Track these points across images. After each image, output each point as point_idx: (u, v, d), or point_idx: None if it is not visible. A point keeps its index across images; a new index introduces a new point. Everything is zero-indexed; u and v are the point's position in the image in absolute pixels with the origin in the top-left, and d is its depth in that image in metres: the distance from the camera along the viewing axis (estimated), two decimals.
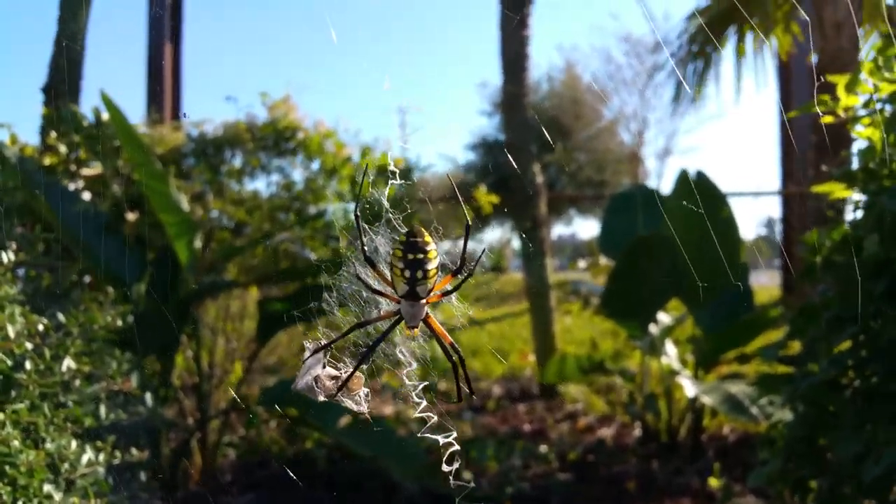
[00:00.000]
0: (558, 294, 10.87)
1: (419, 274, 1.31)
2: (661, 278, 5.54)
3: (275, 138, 5.84)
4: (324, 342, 1.41)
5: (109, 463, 2.38)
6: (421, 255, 1.30)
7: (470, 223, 1.35)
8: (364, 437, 4.35)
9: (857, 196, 2.83)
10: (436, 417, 1.44)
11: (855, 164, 2.89)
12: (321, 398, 1.39)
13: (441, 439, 1.42)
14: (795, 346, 3.35)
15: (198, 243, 4.76)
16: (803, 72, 7.50)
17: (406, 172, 1.48)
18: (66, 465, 2.23)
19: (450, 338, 1.40)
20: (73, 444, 2.26)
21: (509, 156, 8.98)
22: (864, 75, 2.57)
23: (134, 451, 2.59)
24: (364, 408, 1.41)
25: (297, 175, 5.98)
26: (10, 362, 2.20)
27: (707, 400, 5.23)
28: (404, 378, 1.46)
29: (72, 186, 4.94)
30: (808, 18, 6.22)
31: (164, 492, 3.53)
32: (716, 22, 7.34)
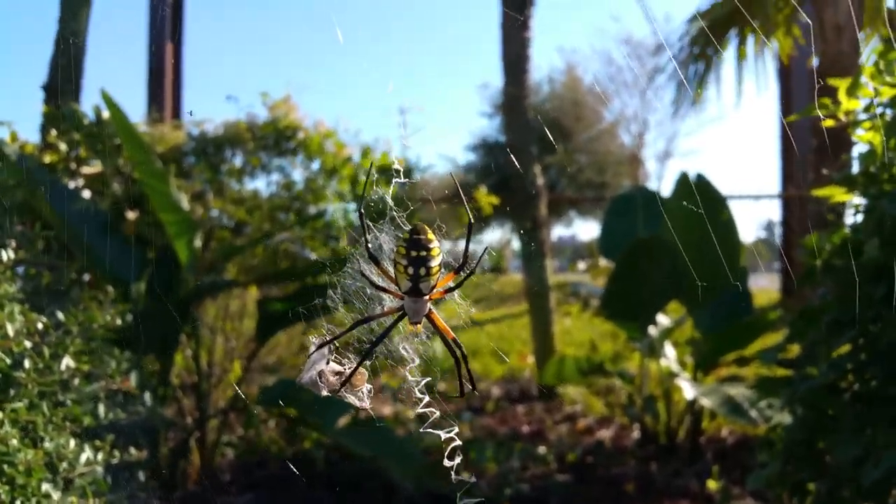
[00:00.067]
0: (558, 295, 10.87)
1: (422, 271, 1.33)
2: (660, 280, 5.54)
3: (275, 138, 5.84)
4: (328, 338, 1.43)
5: (108, 462, 2.38)
6: (424, 253, 1.32)
7: (472, 221, 1.37)
8: (363, 437, 4.35)
9: (858, 200, 2.83)
10: (437, 413, 1.46)
11: (855, 168, 2.89)
12: (325, 393, 1.42)
13: (443, 434, 1.45)
14: (795, 350, 3.35)
15: (198, 242, 4.75)
16: (804, 75, 7.51)
17: (406, 172, 1.49)
18: (65, 464, 2.23)
19: (452, 334, 1.42)
20: (72, 443, 2.26)
21: (512, 157, 8.98)
22: (865, 79, 2.58)
23: (132, 450, 2.59)
24: (366, 403, 1.44)
25: (298, 175, 5.99)
26: (8, 361, 2.20)
27: (706, 402, 5.24)
28: (406, 374, 1.48)
29: (72, 185, 4.94)
30: (809, 21, 6.23)
31: (162, 491, 3.52)
32: (717, 25, 7.34)
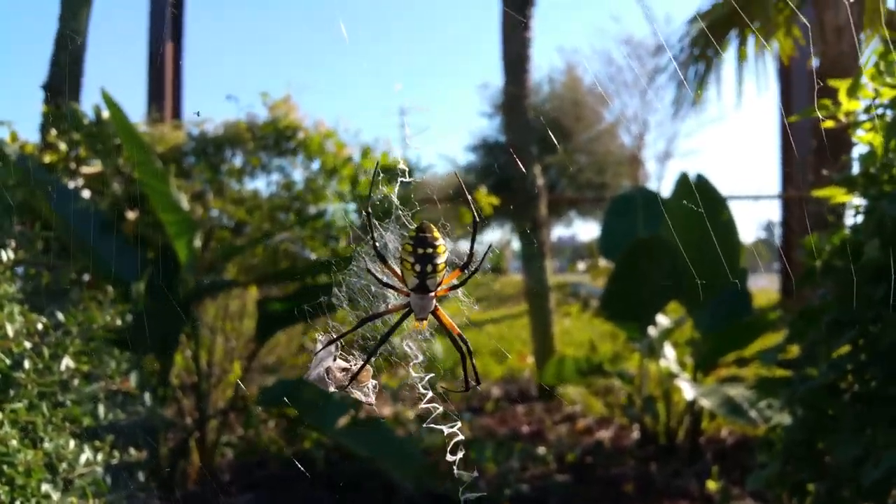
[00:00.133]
0: (558, 296, 10.88)
1: (429, 268, 1.35)
2: (660, 281, 5.55)
3: (275, 138, 5.84)
4: (335, 335, 1.46)
5: (108, 462, 2.38)
6: (430, 250, 1.34)
7: (478, 219, 1.39)
8: (363, 437, 4.35)
9: (858, 201, 2.83)
10: (441, 408, 1.49)
11: (855, 169, 2.89)
12: (332, 389, 1.44)
13: (445, 429, 1.47)
14: (794, 350, 3.35)
15: (197, 242, 4.75)
16: (804, 76, 7.51)
17: (409, 173, 1.50)
18: (65, 465, 2.23)
19: (458, 329, 1.44)
20: (72, 443, 2.26)
21: (514, 157, 8.98)
22: (865, 80, 2.58)
23: (132, 450, 2.59)
24: (372, 398, 1.46)
25: (298, 175, 5.99)
26: (8, 361, 2.20)
27: (705, 403, 5.24)
28: (410, 370, 1.50)
29: (72, 184, 4.93)
30: (807, 24, 6.23)
31: (162, 492, 3.52)
32: (717, 25, 7.34)
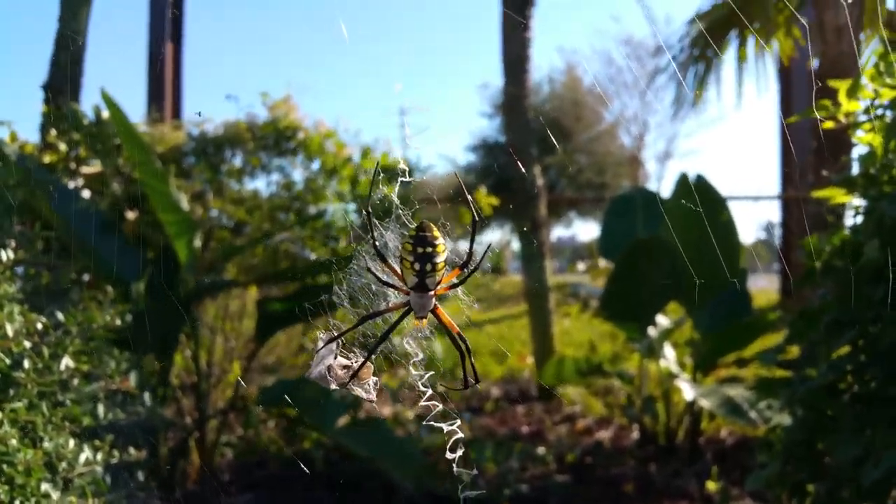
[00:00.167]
0: (557, 296, 10.88)
1: (428, 266, 1.36)
2: (660, 281, 5.55)
3: (275, 138, 5.84)
4: (336, 333, 1.47)
5: (107, 462, 2.38)
6: (430, 249, 1.35)
7: (477, 219, 1.39)
8: (363, 437, 4.35)
9: (857, 201, 2.83)
10: (440, 406, 1.50)
11: (855, 170, 2.89)
12: (334, 386, 1.45)
13: (445, 427, 1.48)
14: (794, 351, 3.35)
15: (197, 242, 4.75)
16: (804, 76, 7.51)
17: (409, 173, 1.51)
18: (64, 464, 2.23)
19: (457, 328, 1.45)
20: (71, 443, 2.26)
21: (514, 157, 8.98)
22: (865, 80, 2.58)
23: (132, 450, 2.59)
24: (373, 395, 1.47)
25: (298, 175, 5.99)
26: (8, 361, 2.20)
27: (705, 403, 5.24)
28: (410, 368, 1.51)
29: (71, 184, 4.93)
30: (807, 24, 6.23)
31: (161, 491, 3.52)
32: (717, 26, 7.35)
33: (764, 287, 11.43)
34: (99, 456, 2.34)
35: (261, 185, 6.11)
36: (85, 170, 5.05)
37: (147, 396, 3.41)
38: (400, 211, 1.49)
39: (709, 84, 7.90)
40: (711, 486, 5.05)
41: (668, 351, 6.29)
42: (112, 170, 5.07)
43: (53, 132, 4.92)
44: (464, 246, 1.42)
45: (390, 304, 1.49)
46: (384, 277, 1.45)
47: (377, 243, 1.42)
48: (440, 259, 1.37)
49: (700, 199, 5.78)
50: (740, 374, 6.36)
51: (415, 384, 1.50)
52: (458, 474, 1.50)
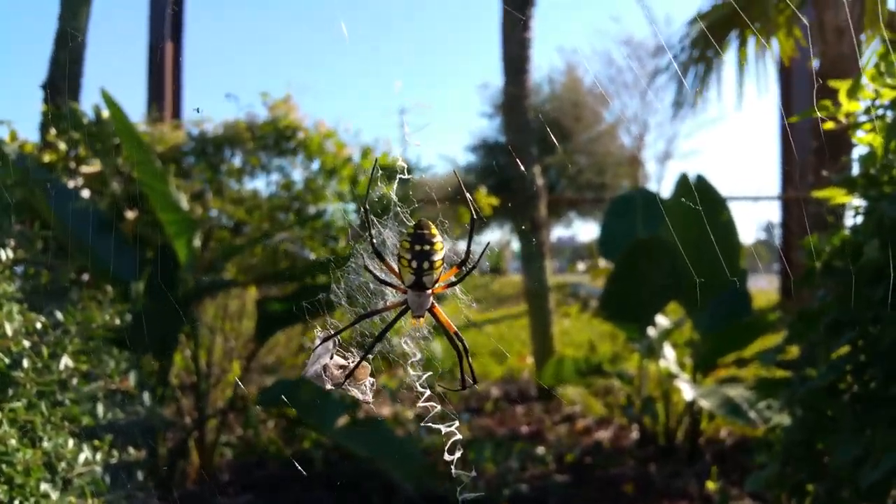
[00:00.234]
0: (557, 296, 10.88)
1: (426, 265, 1.35)
2: (659, 281, 5.54)
3: (275, 138, 5.84)
4: (332, 332, 1.45)
5: (107, 462, 2.38)
6: (428, 247, 1.34)
7: (475, 217, 1.38)
8: (362, 437, 4.35)
9: (857, 202, 2.83)
10: (439, 407, 1.48)
11: (855, 170, 2.89)
12: (329, 386, 1.43)
13: (443, 428, 1.47)
14: (794, 351, 3.35)
15: (197, 242, 4.75)
16: (804, 77, 7.51)
17: (409, 172, 1.50)
18: (63, 464, 2.22)
19: (454, 327, 1.44)
20: (71, 442, 2.25)
21: (514, 157, 8.98)
22: (865, 81, 2.57)
23: (131, 450, 2.59)
24: (369, 397, 1.46)
25: (297, 175, 5.99)
26: (7, 360, 2.20)
27: (705, 403, 5.23)
28: (408, 368, 1.50)
29: (71, 184, 4.93)
30: (808, 23, 6.23)
31: (161, 491, 3.52)
32: (717, 26, 7.34)
33: (764, 287, 11.43)
34: (98, 456, 2.34)
35: (260, 184, 6.12)
36: (84, 169, 5.05)
37: (146, 396, 3.40)
38: (398, 209, 1.48)
39: (709, 84, 7.89)
40: (711, 486, 5.04)
41: (668, 351, 6.29)
42: (111, 169, 5.07)
43: (53, 131, 4.91)
44: (463, 245, 1.41)
45: (388, 303, 1.48)
46: (382, 276, 1.44)
47: (375, 241, 1.41)
48: (438, 257, 1.36)
49: (700, 199, 5.78)
50: (740, 375, 6.35)
51: (413, 385, 1.49)
52: (456, 476, 1.48)
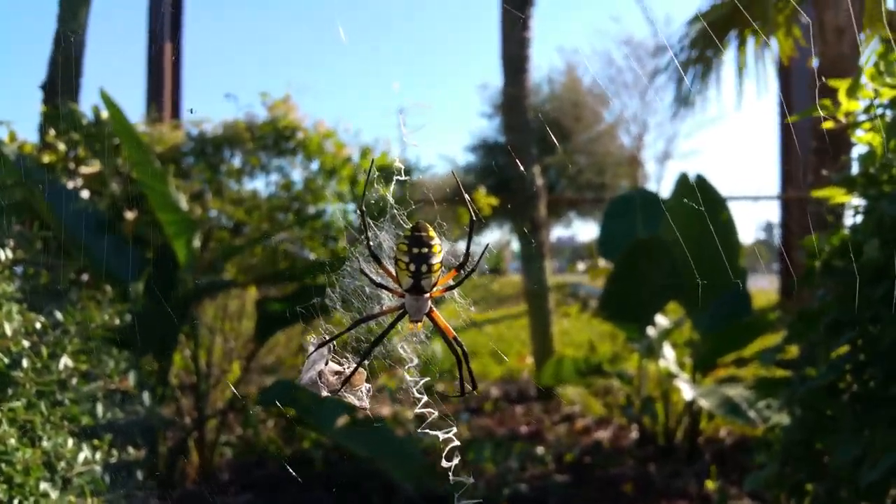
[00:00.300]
0: (557, 296, 10.88)
1: (424, 268, 1.32)
2: (659, 281, 5.54)
3: (274, 138, 5.84)
4: (327, 338, 1.42)
5: (106, 461, 2.38)
6: (426, 250, 1.32)
7: (474, 219, 1.36)
8: (362, 437, 4.35)
9: (857, 201, 2.83)
10: (436, 413, 1.45)
11: (855, 170, 2.89)
12: (325, 393, 1.40)
13: (441, 435, 1.44)
14: (793, 351, 3.35)
15: (196, 242, 4.75)
16: (804, 76, 7.51)
17: (406, 172, 1.48)
18: (63, 464, 2.22)
19: (453, 332, 1.41)
20: (70, 442, 2.26)
21: (514, 157, 8.98)
22: (865, 80, 2.58)
23: (131, 449, 2.59)
24: (366, 403, 1.43)
25: (297, 175, 5.99)
26: (6, 360, 2.20)
27: (704, 403, 5.24)
28: (405, 375, 1.47)
29: (70, 184, 4.93)
30: (809, 21, 6.23)
31: (160, 491, 3.51)
32: (717, 26, 7.34)
33: (763, 287, 11.43)
34: (98, 455, 2.34)
35: (260, 185, 6.12)
36: (84, 170, 5.05)
37: (146, 396, 3.40)
38: (395, 211, 1.45)
39: (709, 84, 7.90)
40: (710, 485, 5.05)
41: (668, 351, 6.29)
42: (111, 170, 5.07)
43: (52, 132, 4.91)
44: (462, 246, 1.38)
45: (384, 307, 1.45)
46: (378, 279, 1.40)
47: (371, 244, 1.38)
48: (436, 260, 1.33)
49: (700, 199, 5.78)
50: (739, 374, 6.35)
51: (410, 390, 1.45)
52: (454, 483, 1.45)
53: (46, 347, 2.39)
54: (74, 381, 2.53)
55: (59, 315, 2.55)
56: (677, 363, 6.26)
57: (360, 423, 4.51)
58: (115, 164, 5.11)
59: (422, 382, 1.47)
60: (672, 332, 6.44)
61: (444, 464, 1.43)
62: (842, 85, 2.61)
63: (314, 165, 5.92)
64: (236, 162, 5.96)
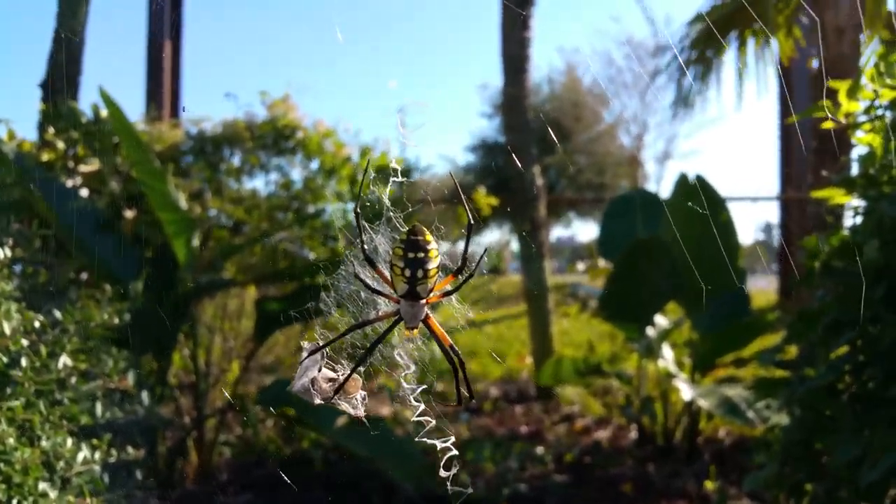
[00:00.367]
0: (556, 296, 10.88)
1: (419, 273, 1.28)
2: (659, 281, 5.54)
3: (274, 137, 5.84)
4: (321, 343, 1.38)
5: (105, 461, 2.38)
6: (422, 254, 1.28)
7: (472, 222, 1.33)
8: (362, 437, 4.34)
9: (857, 202, 2.83)
10: (434, 422, 1.42)
11: (854, 170, 2.89)
12: (317, 401, 1.36)
13: (439, 444, 1.40)
14: (792, 351, 3.35)
15: (196, 242, 4.74)
16: (804, 77, 7.51)
17: (405, 173, 1.46)
18: (62, 463, 2.22)
19: (449, 340, 1.37)
20: (69, 441, 2.25)
21: (514, 157, 8.98)
22: (865, 81, 2.58)
23: (130, 449, 2.59)
24: (361, 411, 1.39)
25: (296, 174, 5.98)
26: (5, 359, 2.20)
27: (703, 403, 5.24)
28: (402, 382, 1.43)
29: (69, 183, 4.92)
30: (812, 20, 6.23)
31: (159, 490, 3.51)
32: (717, 26, 7.34)
33: (763, 288, 11.44)
34: (97, 455, 2.34)
35: (259, 184, 6.11)
36: (83, 168, 5.05)
37: (145, 395, 3.40)
38: (391, 214, 1.41)
39: (709, 84, 7.90)
40: (709, 485, 5.05)
41: (667, 351, 6.30)
42: (110, 168, 5.06)
43: (51, 130, 4.91)
44: (461, 247, 1.34)
45: (380, 313, 1.41)
46: (373, 284, 1.37)
47: (366, 248, 1.34)
48: (432, 265, 1.29)
49: (699, 199, 5.78)
50: (739, 375, 6.36)
51: (406, 398, 1.41)
52: (452, 493, 1.42)
53: (45, 346, 2.38)
54: (73, 380, 2.53)
55: (58, 314, 2.55)
56: (676, 363, 6.26)
57: (360, 425, 4.50)
58: (115, 163, 5.10)
59: (419, 390, 1.43)
60: (671, 333, 6.44)
61: (443, 473, 1.39)
62: (842, 86, 2.61)
63: (314, 165, 5.92)
64: (236, 161, 5.96)
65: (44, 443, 2.17)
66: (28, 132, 5.15)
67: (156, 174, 4.34)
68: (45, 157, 4.90)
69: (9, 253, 2.49)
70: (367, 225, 1.40)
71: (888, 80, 2.52)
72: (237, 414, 5.76)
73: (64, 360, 2.42)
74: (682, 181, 6.19)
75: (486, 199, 5.62)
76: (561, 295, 12.66)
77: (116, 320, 2.79)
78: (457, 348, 1.37)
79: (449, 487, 1.41)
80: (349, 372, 1.37)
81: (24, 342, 2.27)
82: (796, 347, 3.25)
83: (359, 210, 1.35)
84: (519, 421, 7.25)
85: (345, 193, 5.75)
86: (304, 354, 1.38)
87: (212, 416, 5.18)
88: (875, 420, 2.53)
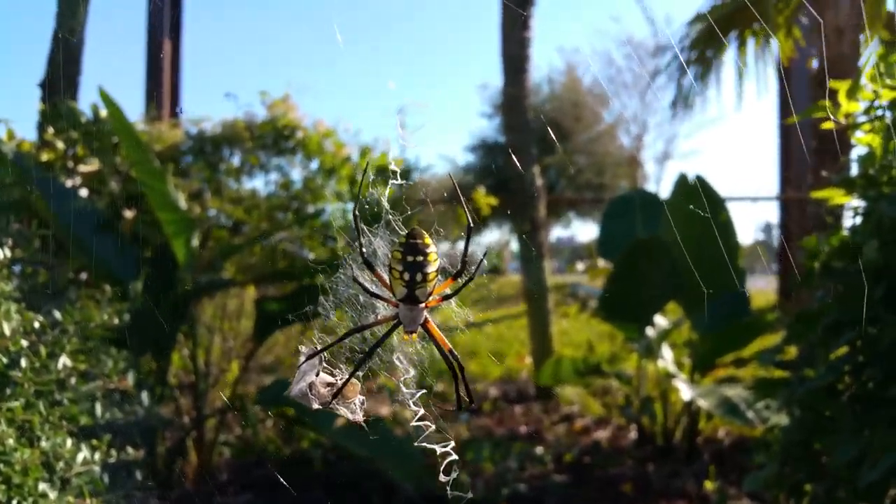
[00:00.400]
0: (556, 296, 10.88)
1: (419, 277, 1.27)
2: (658, 281, 5.54)
3: (274, 137, 5.84)
4: (319, 347, 1.37)
5: (105, 461, 2.38)
6: (421, 258, 1.27)
7: (472, 224, 1.32)
8: (361, 437, 4.34)
9: (856, 202, 2.83)
10: (433, 426, 1.40)
11: (854, 171, 2.89)
12: (315, 406, 1.35)
13: (438, 448, 1.39)
14: (792, 351, 3.35)
15: (195, 242, 4.74)
16: (804, 77, 7.51)
17: (405, 173, 1.44)
18: (62, 464, 2.22)
19: (449, 344, 1.36)
20: (69, 442, 2.25)
21: (513, 157, 8.98)
22: (864, 81, 2.58)
23: (129, 449, 2.58)
24: (359, 416, 1.37)
25: (296, 174, 5.98)
26: (5, 360, 2.19)
27: (703, 403, 5.24)
28: (401, 386, 1.42)
29: (69, 183, 4.92)
30: (815, 20, 6.23)
31: (159, 491, 3.51)
32: (717, 26, 7.34)
33: (762, 288, 11.44)
34: (97, 455, 2.34)
35: (259, 184, 6.12)
36: (82, 168, 5.04)
37: (145, 396, 3.40)
38: (390, 216, 1.40)
39: (708, 84, 7.90)
40: (709, 486, 5.05)
41: (667, 351, 6.30)
42: (110, 168, 5.06)
43: (51, 130, 4.90)
44: (460, 249, 1.33)
45: (379, 317, 1.39)
46: (372, 288, 1.35)
47: (365, 251, 1.33)
48: (431, 269, 1.27)
49: (699, 199, 5.78)
50: (738, 375, 6.36)
51: (405, 402, 1.40)
52: (451, 497, 1.40)
53: (45, 347, 2.38)
54: (73, 380, 2.53)
55: (57, 314, 2.55)
56: (676, 363, 6.26)
57: (359, 428, 4.50)
58: (114, 163, 5.10)
59: (418, 395, 1.41)
60: (671, 333, 6.44)
61: (443, 478, 1.38)
62: (842, 86, 2.61)
63: (313, 165, 5.92)
64: (235, 161, 5.96)
65: (43, 443, 2.17)
66: (28, 132, 5.15)
67: (155, 174, 4.34)
68: (44, 157, 4.90)
69: (8, 253, 2.49)
70: (365, 228, 1.39)
71: (888, 81, 2.52)
72: (237, 414, 5.76)
73: (63, 360, 2.42)
74: (682, 181, 6.19)
75: (485, 199, 5.63)
76: (560, 295, 12.67)
77: (116, 321, 2.79)
78: (456, 353, 1.36)
79: (449, 492, 1.40)
80: (347, 377, 1.36)
81: (24, 343, 2.27)
82: (796, 348, 3.25)
83: (357, 213, 1.33)
84: (518, 421, 7.25)
85: (344, 193, 5.75)
86: (302, 359, 1.37)
87: (211, 417, 5.18)
88: (875, 420, 2.53)
